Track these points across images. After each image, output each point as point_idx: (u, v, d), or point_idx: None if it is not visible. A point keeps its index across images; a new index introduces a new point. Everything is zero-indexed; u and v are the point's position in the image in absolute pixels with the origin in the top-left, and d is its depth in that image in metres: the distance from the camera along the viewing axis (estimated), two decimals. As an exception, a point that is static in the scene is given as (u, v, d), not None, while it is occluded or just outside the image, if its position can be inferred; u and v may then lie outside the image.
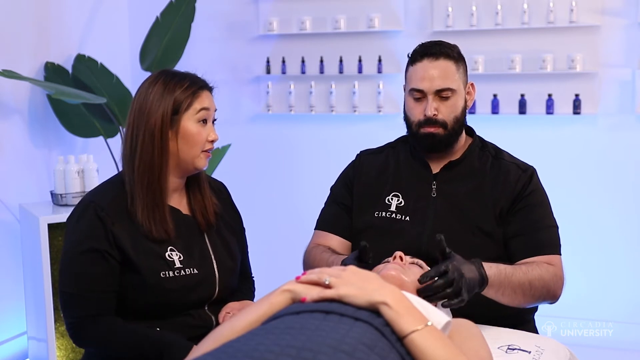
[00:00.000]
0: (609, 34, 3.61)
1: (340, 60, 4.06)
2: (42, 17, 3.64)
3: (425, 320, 1.21)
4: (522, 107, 3.76)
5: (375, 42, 3.99)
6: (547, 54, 3.67)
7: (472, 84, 1.97)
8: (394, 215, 1.92)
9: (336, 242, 1.99)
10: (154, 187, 1.72)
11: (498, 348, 1.67)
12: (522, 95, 3.75)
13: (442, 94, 1.87)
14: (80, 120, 3.62)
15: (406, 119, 1.95)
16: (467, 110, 1.94)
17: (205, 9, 4.04)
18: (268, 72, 4.17)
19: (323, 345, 1.10)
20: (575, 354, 1.81)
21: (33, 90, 3.54)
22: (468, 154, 1.96)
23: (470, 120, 2.01)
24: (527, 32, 3.74)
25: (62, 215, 2.96)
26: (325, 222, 2.04)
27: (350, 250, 1.98)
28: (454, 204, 1.90)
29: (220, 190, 1.97)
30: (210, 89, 1.81)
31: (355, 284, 1.26)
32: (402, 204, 1.93)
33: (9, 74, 3.17)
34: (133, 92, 2.82)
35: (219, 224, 1.87)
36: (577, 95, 3.64)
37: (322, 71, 4.08)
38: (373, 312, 1.22)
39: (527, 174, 1.92)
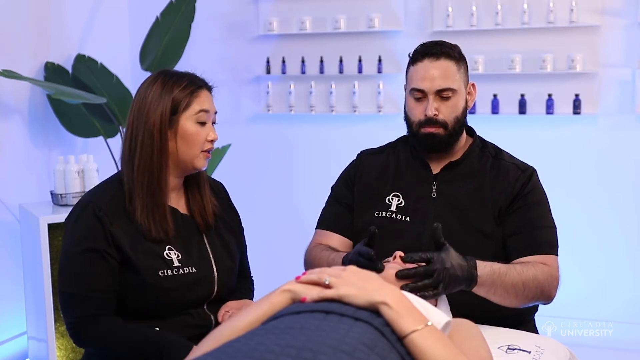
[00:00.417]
0: (609, 34, 3.61)
1: (340, 60, 4.06)
2: (42, 17, 3.64)
3: (425, 320, 1.21)
4: (522, 107, 3.75)
5: (375, 42, 3.99)
6: (547, 54, 3.67)
7: (473, 85, 1.97)
8: (394, 215, 1.93)
9: (337, 240, 1.99)
10: (154, 187, 1.73)
11: (498, 348, 1.67)
12: (522, 95, 3.75)
13: (442, 94, 1.87)
14: (80, 120, 3.62)
15: (407, 119, 1.95)
16: (467, 111, 1.95)
17: (205, 9, 4.04)
18: (268, 72, 4.17)
19: (323, 345, 1.10)
20: (575, 354, 1.81)
21: (33, 90, 3.54)
22: (468, 154, 1.96)
23: (471, 120, 2.00)
24: (527, 32, 3.74)
25: (62, 215, 2.95)
26: (326, 221, 2.04)
27: (351, 249, 1.97)
28: (454, 205, 1.90)
29: (219, 191, 1.97)
30: (209, 89, 1.80)
31: (355, 284, 1.26)
32: (403, 204, 1.93)
33: (9, 74, 3.17)
34: (133, 92, 2.83)
35: (217, 224, 1.87)
36: (577, 95, 3.64)
37: (322, 71, 4.08)
38: (373, 312, 1.22)
39: (527, 174, 1.92)
